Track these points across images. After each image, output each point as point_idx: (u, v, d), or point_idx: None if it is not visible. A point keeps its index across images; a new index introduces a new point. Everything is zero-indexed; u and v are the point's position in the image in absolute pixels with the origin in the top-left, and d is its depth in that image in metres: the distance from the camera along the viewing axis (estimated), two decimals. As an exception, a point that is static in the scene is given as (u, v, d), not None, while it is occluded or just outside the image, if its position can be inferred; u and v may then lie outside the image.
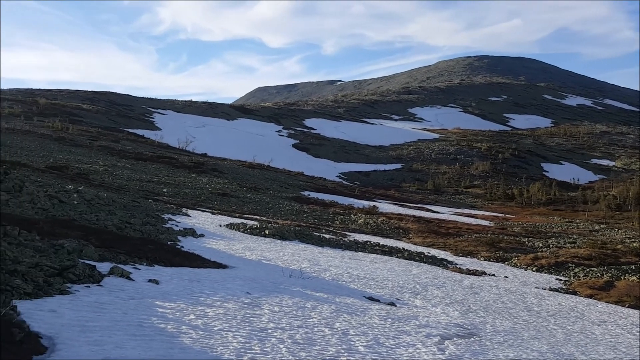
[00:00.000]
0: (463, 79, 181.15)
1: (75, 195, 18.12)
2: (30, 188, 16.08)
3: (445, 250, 24.69)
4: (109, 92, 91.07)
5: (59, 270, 7.62)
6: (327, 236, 22.12)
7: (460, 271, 18.74)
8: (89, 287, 7.52)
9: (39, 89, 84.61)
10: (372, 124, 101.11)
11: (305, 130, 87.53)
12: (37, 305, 6.00)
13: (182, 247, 14.05)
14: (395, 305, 10.84)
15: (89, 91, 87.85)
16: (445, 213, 41.40)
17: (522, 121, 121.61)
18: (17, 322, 4.98)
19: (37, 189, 16.87)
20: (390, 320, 8.97)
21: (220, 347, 5.85)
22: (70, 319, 5.82)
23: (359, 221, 30.33)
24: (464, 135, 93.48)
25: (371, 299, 11.13)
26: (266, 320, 7.38)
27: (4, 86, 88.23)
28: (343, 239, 22.44)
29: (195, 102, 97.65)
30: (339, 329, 7.66)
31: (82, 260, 8.96)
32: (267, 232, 19.96)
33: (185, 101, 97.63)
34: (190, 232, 16.89)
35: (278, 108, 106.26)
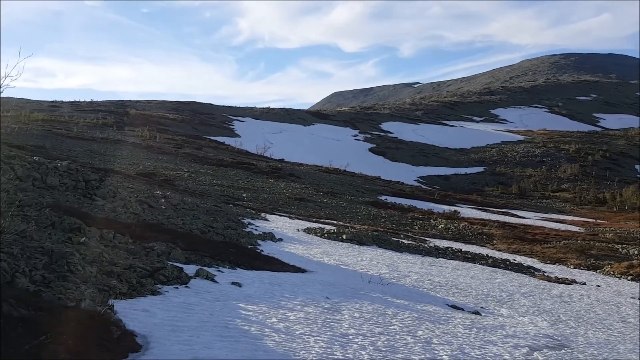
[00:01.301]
0: (548, 78, 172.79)
1: (162, 201, 19.10)
2: (123, 194, 17.15)
3: (532, 257, 23.62)
4: (193, 101, 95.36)
5: (150, 272, 8.06)
6: (406, 242, 21.84)
7: (549, 279, 17.85)
8: (177, 288, 7.90)
9: (130, 101, 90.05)
10: (452, 126, 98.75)
11: (382, 134, 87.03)
12: (131, 305, 6.38)
13: (262, 250, 14.42)
14: (480, 314, 10.50)
15: (174, 101, 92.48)
16: (531, 218, 39.61)
17: (613, 121, 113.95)
18: (114, 321, 5.32)
19: (129, 194, 17.97)
20: (475, 329, 8.70)
21: (303, 352, 5.93)
22: (162, 318, 6.14)
23: (440, 226, 29.69)
24: (550, 136, 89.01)
25: (454, 307, 10.85)
26: (347, 326, 7.40)
27: (98, 98, 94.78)
28: (423, 244, 22.05)
29: (273, 109, 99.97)
30: (421, 337, 7.53)
31: (171, 263, 9.43)
32: (344, 236, 20.02)
33: (263, 108, 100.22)
34: (269, 236, 17.29)
35: (354, 112, 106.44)
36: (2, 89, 4.99)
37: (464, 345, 7.49)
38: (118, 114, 68.33)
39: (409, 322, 8.37)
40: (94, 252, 8.15)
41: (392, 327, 7.81)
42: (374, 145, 77.42)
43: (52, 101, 76.27)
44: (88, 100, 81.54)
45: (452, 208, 38.00)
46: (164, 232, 13.36)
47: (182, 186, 29.03)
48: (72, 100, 79.19)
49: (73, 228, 9.65)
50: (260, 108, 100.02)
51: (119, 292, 6.66)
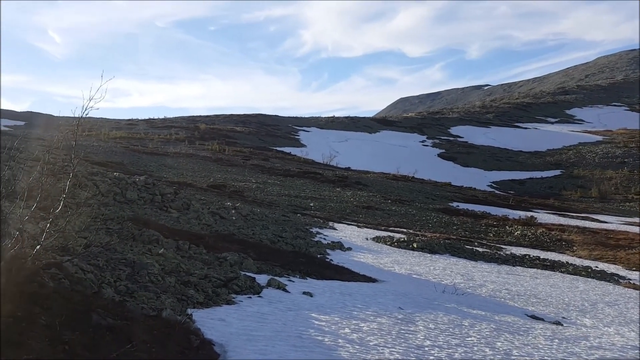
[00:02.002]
0: (628, 75, 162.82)
1: (233, 212, 19.64)
2: (196, 206, 17.80)
3: (615, 264, 22.29)
4: (259, 114, 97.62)
5: (224, 282, 8.30)
6: (480, 249, 21.22)
7: (635, 287, 16.76)
8: (250, 297, 8.07)
9: (199, 116, 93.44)
10: (525, 128, 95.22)
11: (451, 138, 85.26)
12: (208, 314, 6.59)
13: (331, 260, 14.46)
14: (562, 325, 10.01)
15: (241, 114, 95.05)
16: (613, 223, 37.33)
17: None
18: (193, 330, 5.51)
19: (202, 206, 18.62)
20: (557, 340, 8.30)
21: (378, 363, 5.88)
22: (238, 328, 6.29)
23: (515, 233, 28.62)
24: (631, 136, 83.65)
25: (534, 317, 10.41)
26: (422, 337, 7.26)
27: (171, 115, 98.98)
28: (498, 252, 21.34)
29: (338, 118, 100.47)
30: (500, 349, 7.27)
31: (243, 272, 9.66)
32: (415, 245, 19.73)
33: (328, 117, 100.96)
34: (338, 246, 17.33)
35: (421, 118, 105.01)
36: (86, 111, 5.32)
37: (545, 358, 7.16)
38: (189, 129, 71.02)
39: (487, 333, 8.11)
40: (171, 262, 8.50)
41: (470, 339, 7.59)
42: (443, 151, 75.95)
43: (129, 119, 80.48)
44: (161, 117, 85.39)
45: (528, 214, 36.56)
46: (235, 242, 13.73)
47: (251, 197, 29.71)
48: (147, 117, 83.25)
49: (152, 240, 10.12)
50: (325, 117, 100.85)
51: (196, 302, 6.89)
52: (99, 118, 72.38)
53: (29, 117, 75.34)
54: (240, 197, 28.00)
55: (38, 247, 5.08)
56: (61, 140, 6.00)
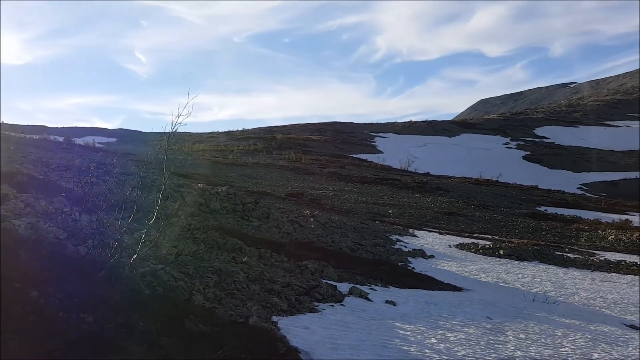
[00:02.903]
0: None
1: (311, 220, 19.89)
2: (275, 214, 18.20)
3: None
4: (334, 122, 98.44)
5: (306, 290, 8.42)
6: (571, 255, 20.12)
7: None
8: (333, 306, 8.13)
9: (276, 126, 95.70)
10: (617, 126, 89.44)
11: (537, 140, 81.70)
12: (292, 322, 6.71)
13: (413, 268, 14.26)
14: (668, 337, 9.27)
15: (317, 123, 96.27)
16: None
17: None
18: (279, 337, 5.64)
19: (281, 215, 19.02)
20: (664, 355, 7.69)
21: (466, 374, 5.73)
22: (322, 336, 6.36)
23: (609, 238, 26.87)
24: None
25: (633, 327, 9.74)
26: (512, 348, 7.00)
27: (249, 126, 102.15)
28: (591, 258, 20.14)
29: (415, 122, 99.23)
30: (599, 361, 6.86)
31: (324, 281, 9.75)
32: (501, 252, 19.03)
33: (405, 122, 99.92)
34: (420, 253, 17.06)
35: (504, 119, 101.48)
36: (175, 127, 5.63)
37: (653, 374, 6.67)
38: (266, 140, 72.82)
39: (582, 343, 7.67)
40: (255, 270, 8.74)
41: (563, 350, 7.22)
42: (529, 153, 72.92)
43: (210, 132, 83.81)
44: (240, 129, 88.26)
45: (623, 217, 34.24)
46: (315, 250, 13.88)
47: (329, 205, 29.94)
48: (226, 130, 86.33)
49: (235, 248, 10.47)
50: (401, 122, 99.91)
51: (280, 309, 7.04)
52: (182, 132, 76.01)
53: (120, 134, 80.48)
54: (318, 205, 28.31)
55: (134, 256, 5.42)
56: (152, 155, 6.37)
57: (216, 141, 71.49)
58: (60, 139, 46.25)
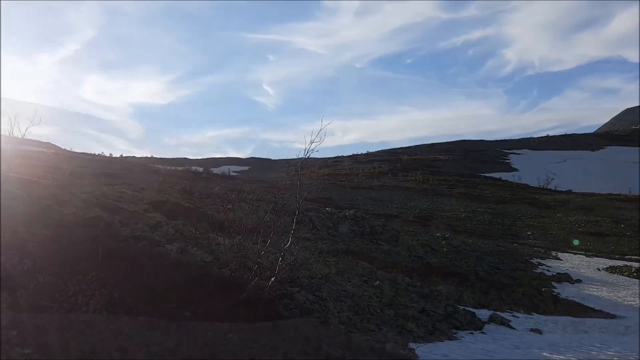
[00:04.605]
0: None
1: (443, 243, 19.37)
2: (404, 238, 18.01)
3: None
4: (462, 140, 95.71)
5: (443, 316, 8.18)
6: None
7: None
8: (472, 333, 7.79)
9: (401, 148, 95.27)
10: None
11: (698, 149, 72.55)
12: (430, 349, 6.53)
13: (559, 294, 13.27)
14: None
15: (444, 142, 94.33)
16: None
17: None
18: (417, 363, 5.52)
19: (410, 237, 18.77)
20: None
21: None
22: (463, 364, 6.11)
23: None
24: None
25: None
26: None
27: (372, 149, 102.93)
28: None
29: (552, 137, 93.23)
30: None
31: (461, 307, 9.39)
32: (663, 277, 17.01)
33: (541, 137, 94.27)
34: (565, 278, 15.84)
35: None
36: (308, 153, 5.85)
37: None
38: (391, 162, 72.71)
39: None
40: (388, 295, 8.69)
41: None
42: (687, 165, 64.92)
43: (335, 157, 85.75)
44: (364, 152, 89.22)
45: None
46: (449, 274, 13.46)
47: (461, 227, 28.96)
48: (350, 154, 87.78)
49: (366, 272, 10.50)
50: (537, 138, 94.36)
51: (416, 336, 6.90)
52: (309, 158, 78.58)
53: (252, 163, 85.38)
54: (449, 227, 27.51)
55: (272, 279, 5.66)
56: (285, 181, 6.66)
57: (340, 165, 72.85)
58: (200, 169, 50.16)
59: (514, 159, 75.68)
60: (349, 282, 9.11)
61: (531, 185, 56.12)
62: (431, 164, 70.03)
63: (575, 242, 26.63)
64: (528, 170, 64.31)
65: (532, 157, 76.59)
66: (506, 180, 58.76)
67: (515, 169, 68.34)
